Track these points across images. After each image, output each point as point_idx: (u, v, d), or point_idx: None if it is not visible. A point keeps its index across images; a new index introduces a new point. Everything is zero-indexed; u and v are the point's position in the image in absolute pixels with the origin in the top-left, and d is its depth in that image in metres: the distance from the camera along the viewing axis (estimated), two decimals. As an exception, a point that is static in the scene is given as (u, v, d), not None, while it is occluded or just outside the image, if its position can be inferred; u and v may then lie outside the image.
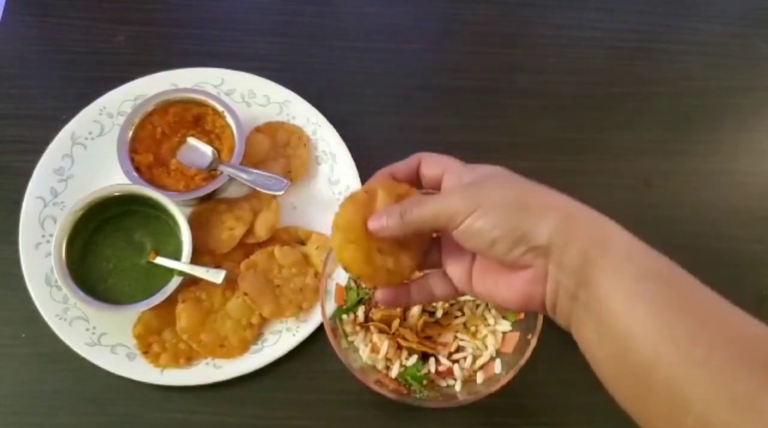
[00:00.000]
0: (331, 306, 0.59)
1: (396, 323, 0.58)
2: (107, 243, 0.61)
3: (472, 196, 0.39)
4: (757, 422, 0.28)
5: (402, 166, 0.46)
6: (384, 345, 0.57)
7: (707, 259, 0.69)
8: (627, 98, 0.76)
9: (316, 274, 0.63)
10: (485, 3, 0.81)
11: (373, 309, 0.59)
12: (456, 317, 0.60)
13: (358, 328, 0.59)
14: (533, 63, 0.77)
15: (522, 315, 0.59)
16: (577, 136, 0.74)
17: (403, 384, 0.57)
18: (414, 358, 0.58)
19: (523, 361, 0.55)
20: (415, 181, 0.46)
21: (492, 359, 0.58)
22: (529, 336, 0.56)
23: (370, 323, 0.59)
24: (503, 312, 0.60)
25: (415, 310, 0.58)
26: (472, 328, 0.60)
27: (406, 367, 0.57)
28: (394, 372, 0.57)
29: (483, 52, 0.78)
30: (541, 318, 0.55)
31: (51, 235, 0.61)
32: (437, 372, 0.58)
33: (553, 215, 0.36)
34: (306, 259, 0.64)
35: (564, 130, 0.74)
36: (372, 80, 0.74)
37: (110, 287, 0.60)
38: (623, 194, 0.71)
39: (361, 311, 0.59)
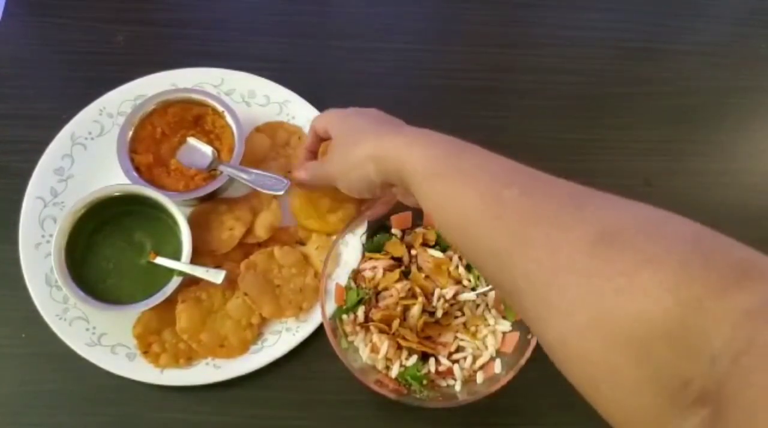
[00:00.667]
0: (331, 306, 0.59)
1: (396, 323, 0.58)
2: (107, 244, 0.61)
3: (328, 172, 0.55)
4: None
5: (309, 138, 0.61)
6: (384, 345, 0.57)
7: (707, 259, 0.70)
8: (627, 98, 0.76)
9: (316, 274, 0.63)
10: (485, 3, 0.81)
11: (373, 310, 0.59)
12: (456, 317, 0.60)
13: (358, 328, 0.59)
14: (533, 63, 0.77)
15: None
16: (577, 136, 0.74)
17: (403, 384, 0.57)
18: (414, 358, 0.58)
19: (523, 361, 0.55)
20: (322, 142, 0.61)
21: (492, 359, 0.58)
22: (529, 336, 0.56)
23: (370, 323, 0.59)
24: (503, 312, 0.61)
25: (415, 310, 0.58)
26: (472, 328, 0.60)
27: (406, 367, 0.57)
28: (394, 372, 0.57)
29: (483, 52, 0.78)
30: None
31: (51, 235, 0.61)
32: (437, 372, 0.58)
33: (370, 166, 0.49)
34: (306, 259, 0.64)
35: (564, 130, 0.74)
36: (372, 80, 0.75)
37: (110, 287, 0.60)
38: (623, 194, 0.71)
39: (361, 311, 0.59)
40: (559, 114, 0.75)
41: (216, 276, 0.59)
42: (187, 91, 0.66)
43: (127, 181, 0.61)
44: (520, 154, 0.71)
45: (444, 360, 0.58)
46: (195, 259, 0.60)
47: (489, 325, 0.60)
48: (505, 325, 0.59)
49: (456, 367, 0.58)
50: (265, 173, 0.63)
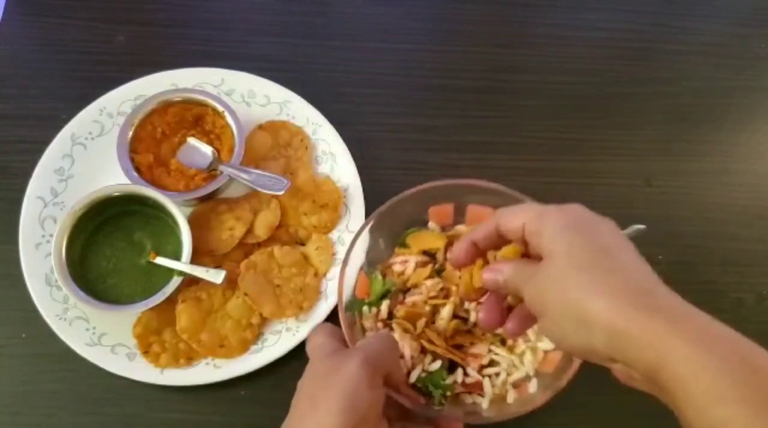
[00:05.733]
0: (347, 296, 0.55)
1: (422, 322, 0.52)
2: (107, 243, 0.61)
3: (539, 296, 0.37)
4: None
5: (480, 232, 0.43)
6: (406, 347, 0.52)
7: (708, 259, 0.70)
8: (627, 98, 0.76)
9: (316, 274, 0.63)
10: (485, 3, 0.80)
11: (399, 306, 0.54)
12: None
13: (380, 324, 0.54)
14: (533, 63, 0.77)
15: None
16: (577, 136, 0.74)
17: (422, 392, 0.52)
18: (438, 363, 0.52)
19: (563, 383, 0.49)
20: (497, 242, 0.43)
21: (527, 377, 0.53)
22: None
23: (394, 320, 0.54)
24: None
25: (446, 312, 0.53)
26: (510, 342, 0.54)
27: (428, 373, 0.52)
28: (414, 376, 0.52)
29: (483, 52, 0.78)
30: None
31: (51, 235, 0.61)
32: (464, 384, 0.53)
33: (602, 335, 0.33)
34: (306, 259, 0.64)
35: (564, 130, 0.74)
36: (372, 80, 0.74)
37: (110, 287, 0.60)
38: (623, 194, 0.71)
39: (384, 305, 0.54)
40: (559, 114, 0.75)
41: (216, 276, 0.59)
42: (187, 91, 0.66)
43: (127, 181, 0.62)
44: (520, 154, 0.72)
45: (473, 373, 0.52)
46: (195, 259, 0.60)
47: (529, 341, 0.54)
48: (548, 344, 0.53)
49: (486, 382, 0.52)
50: (265, 173, 0.63)
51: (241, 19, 0.77)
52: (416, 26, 0.79)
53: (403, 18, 0.79)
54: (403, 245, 0.59)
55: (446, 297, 0.54)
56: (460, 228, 0.58)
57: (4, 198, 0.65)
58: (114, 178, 0.63)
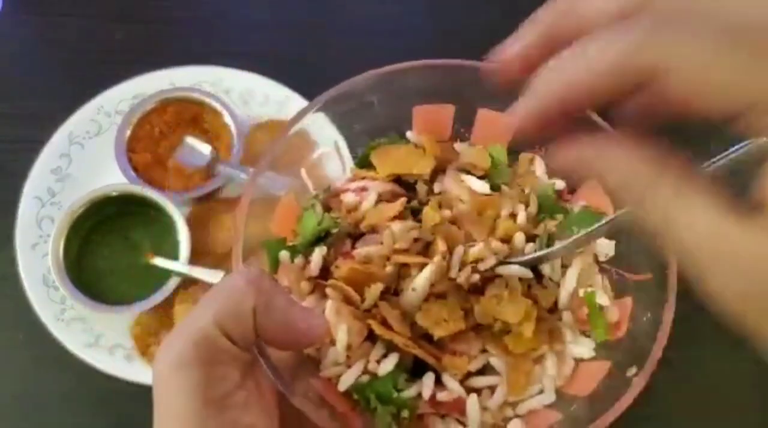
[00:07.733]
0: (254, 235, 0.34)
1: (376, 291, 0.32)
2: (105, 243, 0.61)
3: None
4: None
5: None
6: (341, 328, 0.31)
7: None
8: (629, 97, 0.76)
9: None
10: (486, 2, 0.80)
11: (341, 259, 0.34)
12: None
13: (305, 285, 0.35)
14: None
15: (622, 332, 0.33)
16: (578, 134, 0.73)
17: (358, 406, 0.32)
18: (392, 362, 0.32)
19: (610, 418, 0.29)
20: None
21: (541, 400, 0.33)
22: (631, 374, 0.30)
23: (329, 281, 0.34)
24: (585, 319, 0.34)
25: (421, 280, 0.32)
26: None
27: (374, 376, 0.32)
28: (348, 379, 0.32)
29: (485, 51, 0.77)
30: (665, 332, 0.30)
31: (48, 236, 0.60)
32: (434, 401, 0.32)
33: None
34: (305, 259, 0.64)
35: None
36: (372, 79, 0.74)
37: (108, 287, 0.60)
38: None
39: (318, 255, 0.35)
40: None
41: (214, 276, 0.58)
42: (185, 90, 0.66)
43: (125, 181, 0.61)
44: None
45: (452, 384, 0.32)
46: (193, 260, 0.59)
47: (558, 342, 0.34)
48: (585, 346, 0.33)
49: (473, 401, 0.32)
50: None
51: (240, 16, 0.76)
52: (418, 23, 0.78)
53: (404, 16, 0.79)
54: (365, 164, 0.39)
55: (425, 253, 0.34)
56: (464, 146, 0.39)
57: (0, 198, 0.64)
58: (112, 177, 0.62)
